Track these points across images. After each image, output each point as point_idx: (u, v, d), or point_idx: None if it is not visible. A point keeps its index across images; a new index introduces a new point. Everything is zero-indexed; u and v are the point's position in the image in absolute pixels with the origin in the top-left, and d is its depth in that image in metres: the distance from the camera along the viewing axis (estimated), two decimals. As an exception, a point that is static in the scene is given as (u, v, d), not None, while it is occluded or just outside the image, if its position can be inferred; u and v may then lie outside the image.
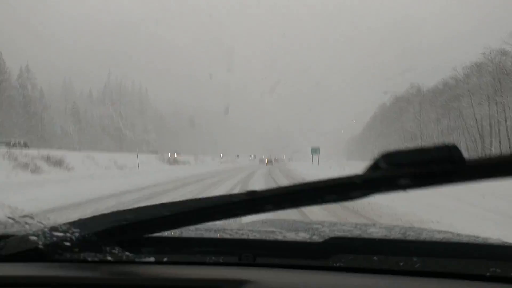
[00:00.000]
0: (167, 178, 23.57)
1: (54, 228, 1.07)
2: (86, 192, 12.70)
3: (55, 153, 26.04)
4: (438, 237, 1.30)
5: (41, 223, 1.25)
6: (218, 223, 1.62)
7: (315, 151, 54.67)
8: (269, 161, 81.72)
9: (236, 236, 1.24)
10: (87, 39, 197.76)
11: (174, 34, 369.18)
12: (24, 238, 1.13)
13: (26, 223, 1.29)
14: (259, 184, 19.28)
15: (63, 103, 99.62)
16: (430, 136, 55.58)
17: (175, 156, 52.25)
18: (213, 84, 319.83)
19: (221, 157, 78.81)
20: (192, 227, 1.36)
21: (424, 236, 1.31)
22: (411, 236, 1.30)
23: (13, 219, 1.37)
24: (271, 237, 1.25)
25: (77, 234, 1.06)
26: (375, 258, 1.06)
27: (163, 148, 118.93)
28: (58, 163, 24.10)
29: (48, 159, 23.75)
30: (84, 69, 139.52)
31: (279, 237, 1.24)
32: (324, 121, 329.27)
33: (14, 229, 1.34)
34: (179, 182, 20.91)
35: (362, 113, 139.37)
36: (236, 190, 15.42)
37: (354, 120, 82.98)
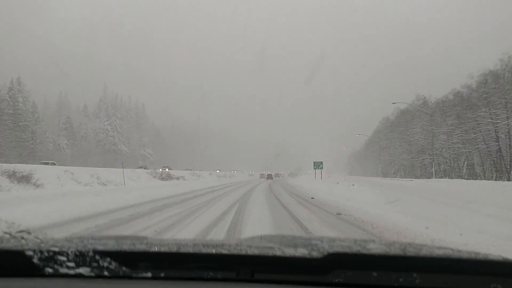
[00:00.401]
0: (153, 196, 19.98)
1: (50, 244, 1.09)
2: (31, 218, 9.11)
3: (24, 167, 22.37)
4: (438, 253, 1.25)
5: (38, 238, 1.26)
6: (217, 238, 1.98)
7: (318, 165, 50.97)
8: (269, 176, 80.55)
9: (234, 252, 1.21)
10: (84, 52, 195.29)
11: (173, 48, 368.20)
12: (20, 253, 1.12)
13: (22, 238, 1.28)
14: (260, 205, 15.71)
15: (58, 117, 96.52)
16: (439, 149, 52.05)
17: (168, 171, 47.99)
18: (213, 99, 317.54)
19: (218, 172, 74.29)
20: (190, 242, 1.36)
21: (424, 252, 1.25)
22: (411, 252, 1.23)
23: (9, 234, 1.35)
24: (270, 252, 1.19)
25: (73, 249, 1.08)
26: (374, 274, 1.06)
27: (160, 163, 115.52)
28: (25, 179, 20.40)
29: (12, 174, 20.07)
30: (81, 83, 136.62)
31: (278, 252, 1.17)
32: (325, 137, 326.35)
33: (10, 244, 1.29)
34: (167, 200, 17.35)
35: (364, 128, 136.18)
36: (232, 212, 12.05)
37: (357, 134, 79.09)
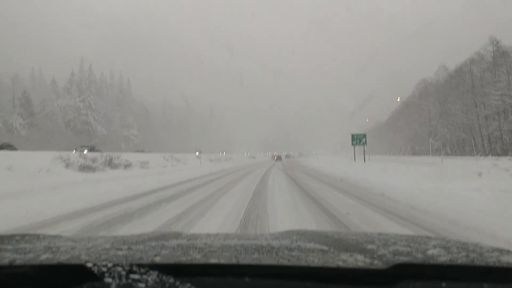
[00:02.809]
0: None
1: (129, 269, 0.94)
2: None
3: None
4: (504, 260, 1.16)
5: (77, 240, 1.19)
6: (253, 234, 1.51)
7: (359, 140, 30.86)
8: (278, 158, 72.75)
9: (294, 261, 1.10)
10: (70, 25, 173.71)
11: (164, 24, 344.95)
12: (73, 268, 1.00)
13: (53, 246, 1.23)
14: None
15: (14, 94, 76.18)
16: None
17: (88, 154, 27.26)
18: (211, 78, 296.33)
19: (197, 154, 53.85)
20: (240, 247, 1.28)
21: (490, 260, 1.16)
22: (477, 259, 1.16)
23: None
24: (332, 262, 1.11)
25: (154, 277, 0.93)
26: (443, 284, 1.02)
27: (148, 146, 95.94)
28: None
29: None
30: (63, 58, 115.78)
31: (339, 262, 1.11)
32: (329, 115, 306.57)
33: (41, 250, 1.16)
34: None
35: (375, 105, 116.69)
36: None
37: (399, 98, 57.00)
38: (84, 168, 20.83)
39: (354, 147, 31.18)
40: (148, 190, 12.82)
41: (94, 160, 23.39)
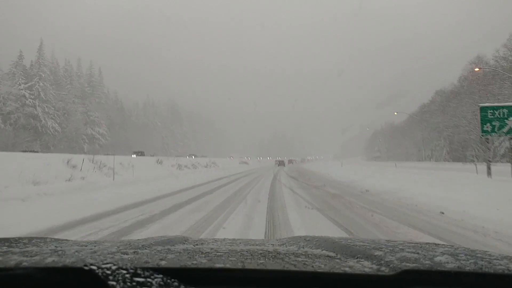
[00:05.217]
0: None
1: (134, 272, 0.92)
2: None
3: None
4: None
5: (82, 244, 1.19)
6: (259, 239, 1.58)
7: (501, 120, 12.29)
8: (281, 163, 67.46)
9: (301, 266, 1.08)
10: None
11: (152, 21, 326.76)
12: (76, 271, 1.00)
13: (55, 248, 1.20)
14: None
15: None
16: None
17: None
18: (202, 79, 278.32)
19: (134, 157, 34.19)
20: (247, 252, 1.26)
21: (499, 267, 1.13)
22: (486, 267, 1.14)
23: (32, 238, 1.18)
24: (338, 268, 1.09)
25: (158, 280, 0.92)
26: None
27: (121, 148, 76.95)
28: None
29: None
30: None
31: (346, 268, 1.08)
32: (327, 117, 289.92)
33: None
34: None
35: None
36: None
37: (477, 68, 38.59)
38: None
39: (488, 140, 12.27)
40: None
41: None
